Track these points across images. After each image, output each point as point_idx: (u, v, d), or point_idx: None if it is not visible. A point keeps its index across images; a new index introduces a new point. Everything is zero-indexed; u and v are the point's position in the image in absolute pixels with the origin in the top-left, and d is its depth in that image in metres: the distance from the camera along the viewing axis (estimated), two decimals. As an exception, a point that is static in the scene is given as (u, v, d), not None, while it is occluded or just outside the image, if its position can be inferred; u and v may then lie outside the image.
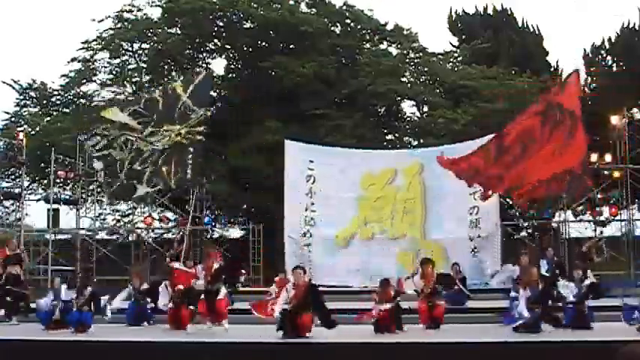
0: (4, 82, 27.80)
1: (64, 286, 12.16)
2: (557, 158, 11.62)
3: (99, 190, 22.86)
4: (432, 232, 18.21)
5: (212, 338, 10.45)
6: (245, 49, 28.28)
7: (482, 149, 12.38)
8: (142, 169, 12.43)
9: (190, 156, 12.22)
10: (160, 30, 28.07)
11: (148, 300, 12.93)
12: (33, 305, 13.08)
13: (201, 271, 11.61)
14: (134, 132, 12.39)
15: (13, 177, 24.60)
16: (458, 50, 30.84)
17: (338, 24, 28.47)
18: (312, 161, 18.85)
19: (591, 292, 11.22)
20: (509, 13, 32.55)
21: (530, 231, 24.29)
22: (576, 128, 11.72)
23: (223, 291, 11.54)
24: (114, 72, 28.65)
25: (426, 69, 28.14)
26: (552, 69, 31.05)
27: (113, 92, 29.07)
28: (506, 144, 12.01)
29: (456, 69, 28.89)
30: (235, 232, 27.59)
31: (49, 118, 27.79)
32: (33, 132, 25.70)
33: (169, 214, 24.15)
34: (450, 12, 33.42)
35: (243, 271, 14.52)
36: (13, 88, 28.06)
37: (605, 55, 30.79)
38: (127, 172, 12.37)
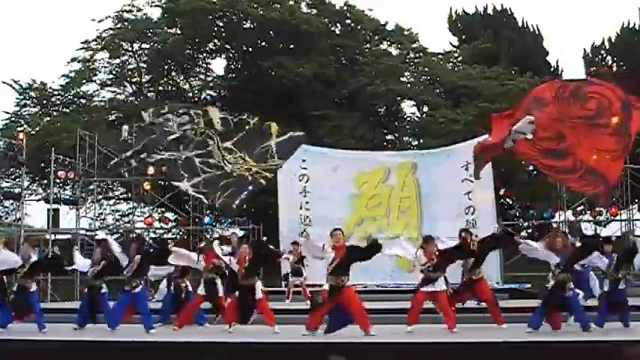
0: (4, 82, 27.85)
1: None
2: (600, 156, 10.81)
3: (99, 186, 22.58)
4: (429, 232, 18.09)
5: (212, 338, 10.45)
6: (245, 49, 28.31)
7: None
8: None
9: (246, 193, 11.87)
10: (159, 30, 28.11)
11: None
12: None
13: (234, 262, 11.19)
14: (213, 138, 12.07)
15: (13, 177, 24.59)
16: (458, 50, 30.85)
17: (338, 24, 28.48)
18: (304, 160, 18.91)
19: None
20: (509, 13, 32.58)
21: (530, 231, 24.27)
22: (626, 143, 10.96)
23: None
24: (114, 72, 28.69)
25: (426, 69, 28.15)
26: (552, 69, 31.07)
27: (113, 92, 29.14)
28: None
29: (456, 69, 28.90)
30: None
31: (49, 118, 27.80)
32: (33, 132, 25.71)
33: (169, 215, 24.15)
34: (450, 12, 33.47)
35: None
36: (13, 88, 28.08)
37: (605, 55, 30.81)
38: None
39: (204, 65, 29.55)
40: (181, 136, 11.90)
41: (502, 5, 32.64)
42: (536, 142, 10.86)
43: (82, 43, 27.76)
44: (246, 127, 12.15)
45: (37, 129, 26.54)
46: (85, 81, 28.38)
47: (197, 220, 22.04)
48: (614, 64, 30.59)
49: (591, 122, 10.79)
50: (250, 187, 11.67)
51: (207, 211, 23.00)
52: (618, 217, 20.42)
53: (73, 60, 27.95)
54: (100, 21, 27.64)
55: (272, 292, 16.17)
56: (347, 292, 10.14)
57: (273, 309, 11.20)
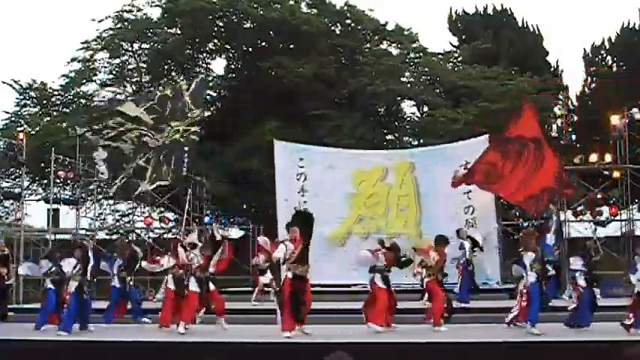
0: (4, 82, 27.82)
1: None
2: (530, 182, 13.14)
3: (100, 186, 22.68)
4: (428, 231, 18.13)
5: (212, 338, 10.46)
6: (245, 49, 28.28)
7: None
8: (144, 165, 12.61)
9: (186, 154, 12.40)
10: (159, 30, 28.08)
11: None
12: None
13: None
14: (145, 127, 12.66)
15: (13, 177, 24.58)
16: (458, 50, 30.83)
17: (338, 24, 28.45)
18: (302, 159, 18.95)
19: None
20: (509, 13, 32.53)
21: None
22: (543, 151, 13.18)
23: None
24: (114, 72, 28.66)
25: (426, 69, 28.12)
26: (552, 69, 31.05)
27: (113, 92, 29.09)
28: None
29: (456, 69, 28.88)
30: (235, 232, 27.59)
31: (49, 118, 27.77)
32: (33, 132, 25.68)
33: (169, 215, 24.15)
34: (450, 12, 33.42)
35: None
36: (13, 88, 28.04)
37: (605, 55, 30.77)
38: (133, 167, 12.52)
39: (204, 65, 29.54)
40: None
41: (502, 5, 32.61)
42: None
43: (82, 43, 27.76)
44: (157, 95, 12.85)
45: (37, 129, 26.51)
46: (85, 81, 28.33)
47: (197, 220, 22.04)
48: (614, 64, 30.54)
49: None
50: (186, 148, 12.36)
51: (207, 211, 23.03)
52: (618, 217, 20.42)
53: (73, 60, 27.93)
54: (100, 21, 27.63)
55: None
56: None
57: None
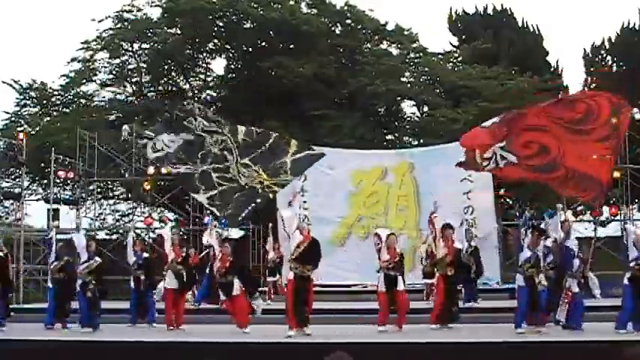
0: (4, 82, 27.81)
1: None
2: (590, 159, 10.96)
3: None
4: (428, 231, 18.17)
5: (212, 338, 10.46)
6: (245, 49, 28.27)
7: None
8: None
9: (254, 205, 11.84)
10: (159, 30, 28.05)
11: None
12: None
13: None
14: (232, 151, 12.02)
15: (13, 177, 24.59)
16: (458, 50, 30.83)
17: (338, 24, 28.44)
18: None
19: None
20: (509, 13, 32.54)
21: (530, 231, 24.21)
22: (615, 146, 11.16)
23: (237, 285, 11.48)
24: (114, 72, 28.64)
25: (426, 69, 28.10)
26: (552, 69, 31.05)
27: (113, 92, 29.12)
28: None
29: (456, 69, 28.86)
30: (235, 232, 27.56)
31: (49, 118, 27.78)
32: (33, 132, 25.68)
33: (169, 215, 24.13)
34: (450, 12, 33.43)
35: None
36: (13, 88, 28.04)
37: (605, 55, 30.78)
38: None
39: (204, 65, 29.52)
40: (201, 149, 11.97)
41: (502, 5, 32.62)
42: (521, 163, 11.11)
43: (82, 43, 27.72)
44: (267, 143, 12.05)
45: (37, 129, 26.52)
46: (85, 81, 28.31)
47: (197, 220, 22.03)
48: (614, 64, 30.55)
49: (576, 128, 10.88)
50: (259, 200, 11.74)
51: (207, 211, 22.99)
52: (618, 217, 20.42)
53: (73, 60, 27.90)
54: (100, 21, 27.60)
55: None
56: None
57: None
